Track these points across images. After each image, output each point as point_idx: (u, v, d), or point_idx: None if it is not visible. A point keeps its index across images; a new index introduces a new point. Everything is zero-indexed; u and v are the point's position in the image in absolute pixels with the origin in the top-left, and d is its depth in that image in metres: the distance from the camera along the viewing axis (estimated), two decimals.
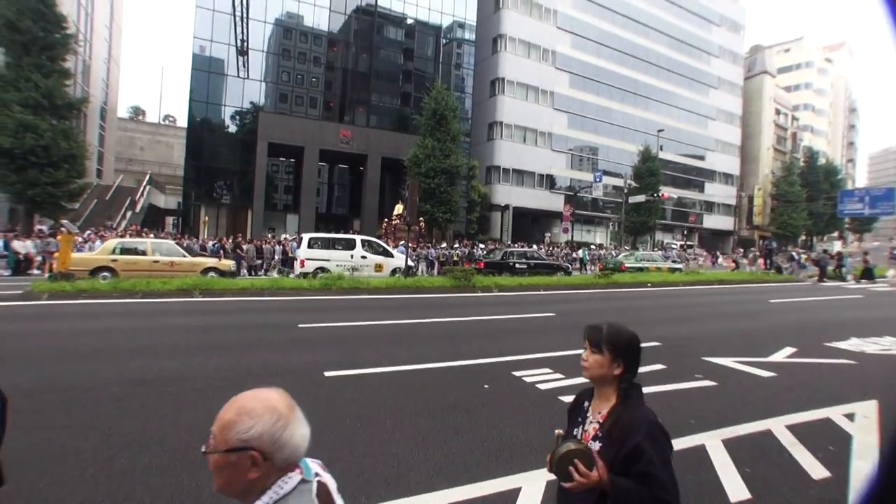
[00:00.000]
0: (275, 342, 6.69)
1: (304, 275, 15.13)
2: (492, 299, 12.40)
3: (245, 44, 29.47)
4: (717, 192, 56.73)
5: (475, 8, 39.92)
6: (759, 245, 43.44)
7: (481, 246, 27.22)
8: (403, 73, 37.91)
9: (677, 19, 53.06)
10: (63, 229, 13.27)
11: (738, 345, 7.32)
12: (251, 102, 33.19)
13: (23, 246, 17.29)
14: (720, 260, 33.19)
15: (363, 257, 16.01)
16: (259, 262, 20.26)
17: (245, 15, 28.26)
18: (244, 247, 20.65)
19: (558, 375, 5.17)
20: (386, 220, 25.50)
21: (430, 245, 25.80)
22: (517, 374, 5.26)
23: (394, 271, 16.24)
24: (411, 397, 4.46)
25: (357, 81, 36.21)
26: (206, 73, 31.70)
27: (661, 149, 42.96)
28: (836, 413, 4.40)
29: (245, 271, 19.51)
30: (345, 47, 36.09)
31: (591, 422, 1.53)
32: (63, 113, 22.00)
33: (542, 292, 14.03)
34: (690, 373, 5.59)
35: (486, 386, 4.84)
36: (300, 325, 7.80)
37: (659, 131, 41.30)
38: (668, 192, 40.64)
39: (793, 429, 3.97)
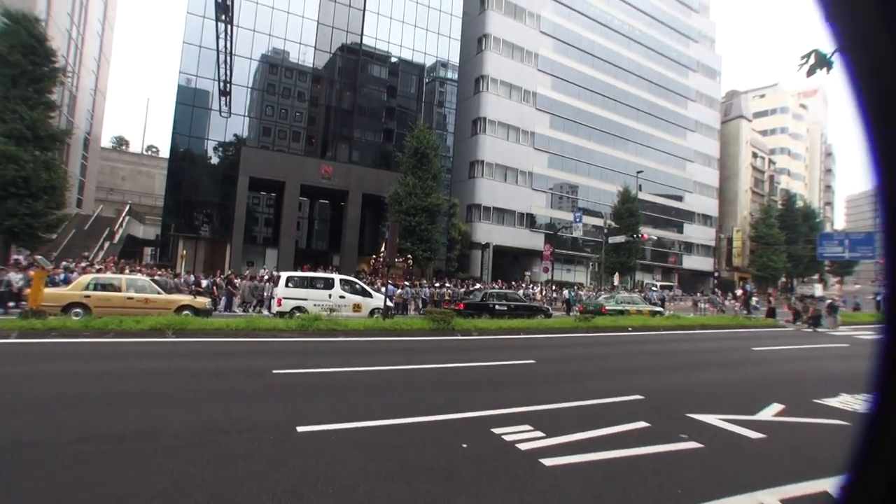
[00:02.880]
0: (248, 391, 6.49)
1: (281, 314, 14.91)
2: (471, 343, 12.29)
3: (227, 85, 29.87)
4: (695, 233, 58.04)
5: (458, 48, 41.00)
6: (741, 285, 44.15)
7: (478, 286, 27.22)
8: (386, 111, 38.51)
9: (656, 65, 55.23)
10: (36, 264, 12.92)
11: (724, 399, 7.21)
12: (234, 135, 33.33)
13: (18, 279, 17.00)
14: (702, 304, 32.99)
15: (342, 297, 15.87)
16: (253, 299, 20.32)
17: (228, 59, 28.84)
18: (237, 282, 20.76)
19: (539, 433, 5.08)
20: (374, 256, 25.49)
21: (423, 283, 25.78)
22: (496, 431, 5.15)
23: (372, 312, 16.08)
24: (387, 458, 4.33)
25: (340, 118, 36.63)
26: (191, 106, 31.88)
27: (641, 189, 44.00)
28: (834, 485, 4.29)
29: (238, 308, 19.79)
30: (329, 84, 36.65)
31: None
32: (46, 144, 22.04)
33: (522, 336, 13.96)
34: (675, 432, 5.43)
35: (464, 445, 4.73)
36: (275, 371, 7.60)
37: (638, 172, 42.33)
38: (647, 232, 41.48)
39: None
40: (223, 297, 20.81)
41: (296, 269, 27.68)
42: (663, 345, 13.79)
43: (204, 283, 20.73)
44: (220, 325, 11.29)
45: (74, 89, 35.88)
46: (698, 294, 42.22)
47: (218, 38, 27.75)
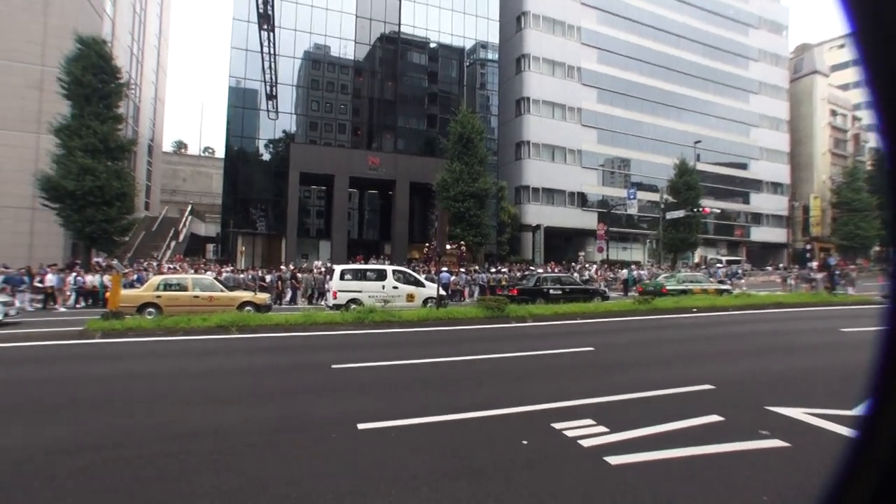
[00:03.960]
0: (308, 386, 6.64)
1: (337, 307, 15.26)
2: (526, 330, 12.14)
3: (273, 88, 31.06)
4: (764, 202, 54.60)
5: (497, 29, 40.27)
6: (820, 258, 41.02)
7: (539, 270, 26.97)
8: (428, 97, 38.45)
9: (709, 25, 51.99)
10: (113, 269, 13.88)
11: (811, 390, 6.44)
12: (283, 132, 34.34)
13: (93, 280, 18.80)
14: (790, 280, 29.40)
15: (395, 287, 16.08)
16: (314, 291, 21.53)
17: (273, 64, 30.13)
18: (299, 276, 22.00)
19: (602, 428, 4.91)
20: (427, 245, 25.71)
21: (477, 269, 25.83)
22: (557, 426, 5.02)
23: (426, 301, 16.20)
24: (448, 456, 4.30)
25: (383, 108, 36.90)
26: (241, 108, 33.00)
27: (699, 159, 41.99)
28: None
29: (304, 300, 21.17)
30: (370, 76, 36.92)
31: None
32: (116, 154, 23.83)
33: (578, 321, 13.67)
34: (754, 428, 4.91)
35: (524, 442, 4.64)
36: (333, 366, 7.74)
37: (696, 142, 40.36)
38: (709, 204, 39.50)
39: None
40: (289, 291, 21.68)
41: (348, 260, 28.33)
42: (734, 327, 12.96)
43: (268, 278, 21.66)
44: (280, 321, 11.65)
45: (137, 100, 37.83)
46: (775, 267, 39.47)
47: (262, 46, 28.96)
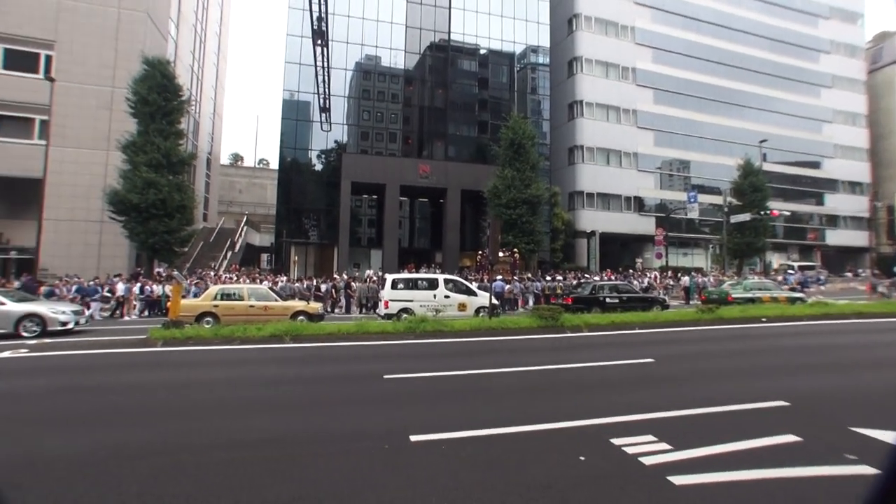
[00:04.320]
0: (361, 397, 6.73)
1: (389, 316, 15.45)
2: (582, 341, 11.88)
3: (327, 101, 32.00)
4: (841, 203, 51.40)
5: (548, 33, 39.95)
6: None
7: (595, 277, 26.45)
8: (479, 104, 38.56)
9: (774, 19, 49.75)
10: (174, 279, 14.59)
11: None
12: (335, 142, 35.27)
13: (158, 289, 20.23)
14: (881, 288, 27.17)
15: (446, 297, 16.15)
16: (368, 301, 21.94)
17: (326, 78, 31.11)
18: (353, 286, 22.60)
19: (664, 445, 4.72)
20: (480, 252, 25.75)
21: (530, 277, 25.63)
22: (616, 441, 4.86)
23: (478, 310, 16.18)
24: (502, 471, 4.24)
25: (434, 116, 37.26)
26: (294, 120, 34.17)
27: (765, 159, 40.07)
28: None
29: (357, 309, 21.72)
30: (420, 84, 37.42)
31: None
32: (177, 168, 25.03)
33: (637, 331, 13.28)
34: (837, 451, 4.50)
35: (581, 458, 4.51)
36: (386, 376, 7.82)
37: (761, 141, 38.52)
38: (778, 207, 37.56)
39: None
40: (343, 300, 22.21)
41: (400, 269, 28.65)
42: (809, 338, 12.19)
43: (323, 287, 22.23)
44: (332, 331, 11.91)
45: (197, 116, 39.95)
46: (854, 273, 36.74)
47: (316, 60, 29.98)
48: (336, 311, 22.26)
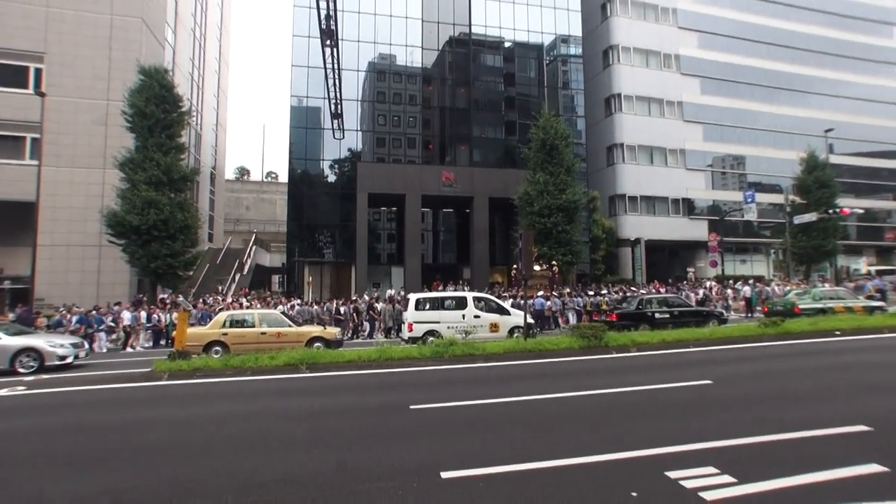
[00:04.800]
0: (387, 430, 6.77)
1: (413, 340, 15.55)
2: (629, 362, 11.77)
3: (339, 107, 32.39)
4: None
5: (579, 21, 40.06)
6: None
7: (642, 291, 26.11)
8: (505, 102, 38.72)
9: None
10: (179, 306, 14.90)
11: None
12: (349, 151, 35.72)
13: (165, 318, 20.76)
14: None
15: (476, 317, 16.17)
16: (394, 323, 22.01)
17: (337, 81, 31.45)
18: (377, 307, 22.72)
19: (727, 478, 4.64)
20: (515, 266, 25.78)
21: (569, 292, 25.50)
22: (672, 474, 4.81)
23: (511, 331, 16.16)
24: None
25: (456, 117, 37.52)
26: (304, 128, 34.80)
27: (832, 151, 39.22)
28: None
29: (380, 334, 21.97)
30: (440, 83, 37.77)
31: None
32: (179, 186, 25.60)
33: (692, 350, 13.11)
34: None
35: (633, 493, 4.48)
36: (412, 407, 7.87)
37: (826, 131, 37.75)
38: (848, 204, 36.61)
39: None
40: (366, 324, 22.41)
41: (423, 288, 28.78)
42: (892, 354, 11.88)
43: (343, 310, 22.42)
44: (352, 358, 12.02)
45: (199, 128, 41.07)
46: None
47: (325, 62, 30.41)
48: (359, 336, 22.50)
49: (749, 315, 24.98)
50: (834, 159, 39.15)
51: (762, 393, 8.23)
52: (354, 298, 24.93)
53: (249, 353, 12.70)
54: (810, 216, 31.48)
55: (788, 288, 25.95)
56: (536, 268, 26.27)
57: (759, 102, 45.17)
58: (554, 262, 27.65)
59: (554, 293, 24.44)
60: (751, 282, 28.49)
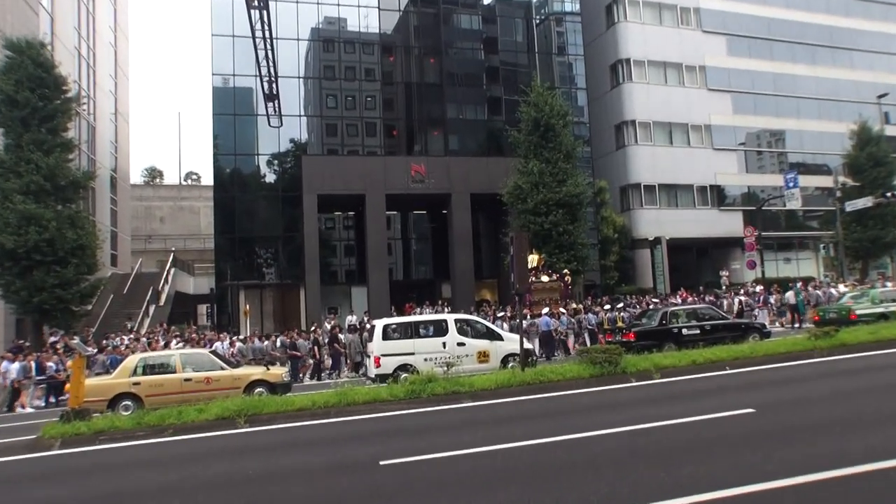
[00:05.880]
0: (353, 495, 6.70)
1: (382, 377, 15.49)
2: (654, 391, 11.91)
3: (273, 85, 31.76)
4: None
5: None
6: None
7: (678, 300, 26.33)
8: (487, 73, 38.95)
9: None
10: (74, 351, 14.48)
11: None
12: (291, 141, 35.37)
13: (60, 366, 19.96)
14: None
15: (460, 344, 16.21)
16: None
17: (269, 53, 30.73)
18: (342, 338, 22.44)
19: None
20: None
21: (587, 307, 25.62)
22: None
23: (505, 359, 16.26)
24: None
25: (426, 95, 37.60)
26: (232, 115, 34.36)
27: (888, 121, 40.19)
28: None
29: (348, 371, 21.97)
30: (404, 53, 37.90)
31: None
32: (68, 195, 25.00)
33: (728, 372, 13.32)
34: None
35: None
36: (383, 462, 7.82)
37: (880, 96, 38.71)
38: None
39: None
40: (330, 359, 22.24)
41: (392, 311, 28.64)
42: None
43: (301, 343, 22.15)
44: (305, 404, 11.91)
45: (92, 118, 40.33)
46: None
47: (253, 30, 29.70)
48: (321, 375, 22.28)
49: (797, 325, 25.40)
50: (891, 131, 40.11)
51: (815, 420, 8.37)
52: (314, 328, 24.73)
53: (171, 407, 12.46)
54: (864, 201, 32.16)
55: (843, 289, 26.45)
56: (544, 278, 26.36)
57: (800, 64, 46.17)
58: (567, 271, 27.72)
59: (562, 310, 24.50)
60: (798, 284, 28.95)
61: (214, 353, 17.13)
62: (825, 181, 40.22)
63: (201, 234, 55.76)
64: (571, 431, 8.80)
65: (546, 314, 23.19)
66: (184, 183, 68.09)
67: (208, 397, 13.39)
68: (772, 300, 28.27)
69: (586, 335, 23.76)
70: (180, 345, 23.14)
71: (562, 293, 27.20)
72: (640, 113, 41.28)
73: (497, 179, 31.72)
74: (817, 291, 27.84)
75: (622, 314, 24.57)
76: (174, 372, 14.97)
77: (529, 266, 25.88)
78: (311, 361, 22.32)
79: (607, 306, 26.27)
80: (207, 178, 58.38)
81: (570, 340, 23.64)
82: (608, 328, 23.17)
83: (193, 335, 26.04)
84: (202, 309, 47.29)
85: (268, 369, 16.42)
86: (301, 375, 22.00)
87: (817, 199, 42.91)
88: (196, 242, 55.90)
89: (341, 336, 22.75)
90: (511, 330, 19.33)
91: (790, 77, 45.69)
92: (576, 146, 31.13)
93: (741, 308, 26.05)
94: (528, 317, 23.11)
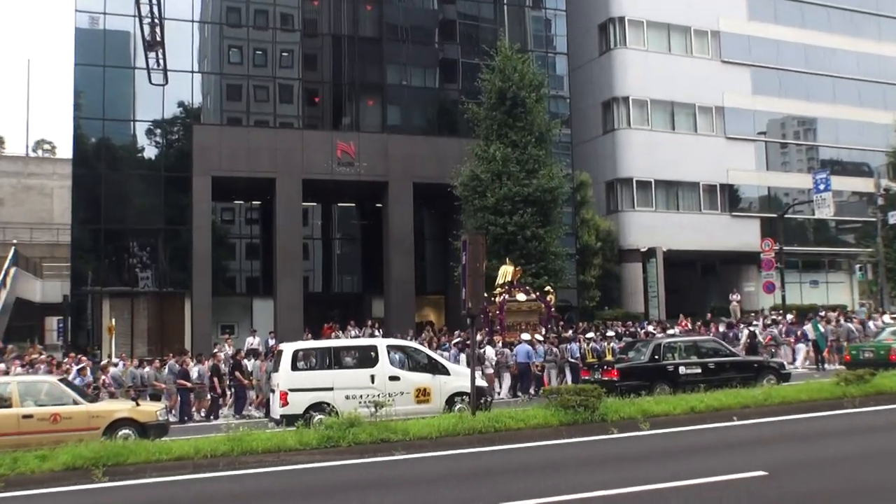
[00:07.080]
0: None
1: (290, 418, 15.33)
2: (640, 446, 12.07)
3: (157, 29, 30.93)
4: None
5: None
6: None
7: (674, 330, 26.72)
8: (441, 28, 39.01)
9: None
10: None
11: None
12: (179, 105, 34.83)
13: None
14: None
15: (394, 378, 16.18)
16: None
17: None
18: (246, 365, 22.40)
19: None
20: (494, 293, 25.66)
21: (571, 335, 25.78)
22: None
23: (451, 399, 16.32)
24: None
25: (360, 52, 37.46)
26: (101, 67, 33.56)
27: None
28: None
29: (254, 408, 21.82)
30: None
31: None
32: None
33: (736, 423, 13.56)
34: None
35: None
36: None
37: None
38: None
39: None
40: (231, 393, 21.97)
41: (307, 333, 28.41)
42: None
43: (195, 371, 21.77)
44: (186, 453, 11.71)
45: None
46: None
47: None
48: (219, 413, 21.96)
49: (821, 366, 26.01)
50: None
51: (842, 487, 8.58)
52: (215, 352, 24.34)
53: (3, 452, 12.16)
54: None
55: (882, 322, 27.12)
56: (521, 297, 26.34)
57: (836, 34, 47.18)
58: (549, 288, 27.73)
59: (539, 337, 24.60)
60: (820, 314, 29.46)
61: (65, 381, 16.71)
62: (865, 184, 41.22)
63: (54, 223, 54.43)
64: (531, 496, 8.86)
65: (525, 339, 23.27)
66: (32, 154, 66.40)
67: (55, 441, 13.02)
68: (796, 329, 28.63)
69: (567, 371, 23.94)
70: (19, 371, 22.50)
71: (545, 315, 27.31)
72: (635, 88, 41.64)
73: (448, 166, 31.80)
74: (849, 324, 28.36)
75: (612, 345, 24.63)
76: (9, 406, 14.53)
77: (502, 280, 26.09)
78: (209, 396, 22.01)
79: (590, 334, 26.37)
80: (65, 150, 57.11)
81: (549, 376, 23.71)
82: (593, 361, 23.18)
83: (40, 357, 25.39)
84: (52, 322, 46.13)
85: (136, 404, 16.12)
86: (196, 412, 21.70)
87: (854, 206, 43.90)
88: (46, 234, 54.50)
89: (246, 363, 22.49)
90: (468, 362, 19.26)
91: (825, 50, 46.58)
92: (551, 127, 31.39)
93: (750, 342, 26.30)
94: (501, 345, 23.23)
